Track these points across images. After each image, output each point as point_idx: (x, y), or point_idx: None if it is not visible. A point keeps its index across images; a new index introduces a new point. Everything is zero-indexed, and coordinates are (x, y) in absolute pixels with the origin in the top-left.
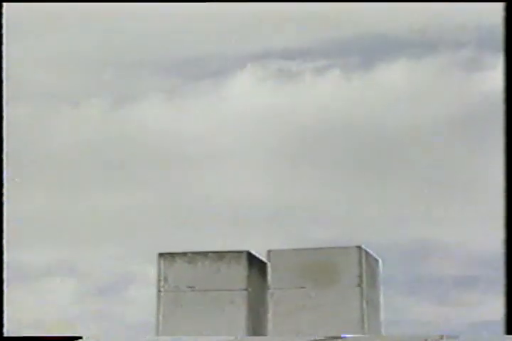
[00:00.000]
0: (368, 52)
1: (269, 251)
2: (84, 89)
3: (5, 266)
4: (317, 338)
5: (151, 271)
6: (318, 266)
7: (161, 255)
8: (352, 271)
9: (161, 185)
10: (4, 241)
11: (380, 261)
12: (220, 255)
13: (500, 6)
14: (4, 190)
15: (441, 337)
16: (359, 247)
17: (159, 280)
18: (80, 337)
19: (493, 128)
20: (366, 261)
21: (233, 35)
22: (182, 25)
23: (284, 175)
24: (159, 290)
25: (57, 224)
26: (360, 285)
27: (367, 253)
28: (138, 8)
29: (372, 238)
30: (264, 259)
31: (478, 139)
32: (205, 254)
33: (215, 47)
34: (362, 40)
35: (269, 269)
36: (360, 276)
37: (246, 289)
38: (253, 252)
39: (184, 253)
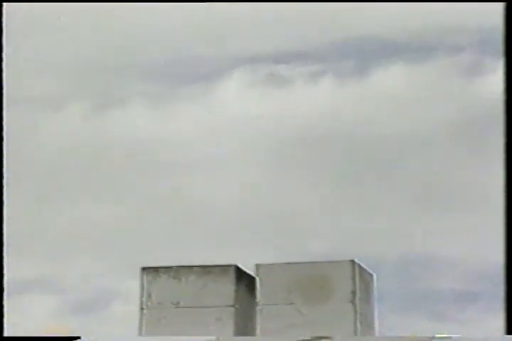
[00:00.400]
0: (364, 56)
1: (257, 265)
2: (72, 92)
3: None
4: (305, 338)
5: (134, 287)
6: (310, 281)
7: (143, 269)
8: (345, 287)
9: (147, 194)
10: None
11: (375, 275)
12: (206, 269)
13: (501, 6)
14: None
15: (431, 338)
16: (352, 261)
17: (142, 297)
18: (79, 337)
19: (494, 133)
20: (360, 276)
21: (225, 38)
22: (175, 26)
23: (274, 185)
24: (142, 307)
25: (39, 236)
26: (353, 301)
27: (360, 267)
28: (137, 8)
29: (367, 250)
30: (252, 274)
31: (478, 144)
32: (190, 268)
33: (206, 50)
34: (357, 43)
35: (257, 284)
36: (354, 292)
37: (233, 305)
38: (241, 266)
39: (168, 268)
